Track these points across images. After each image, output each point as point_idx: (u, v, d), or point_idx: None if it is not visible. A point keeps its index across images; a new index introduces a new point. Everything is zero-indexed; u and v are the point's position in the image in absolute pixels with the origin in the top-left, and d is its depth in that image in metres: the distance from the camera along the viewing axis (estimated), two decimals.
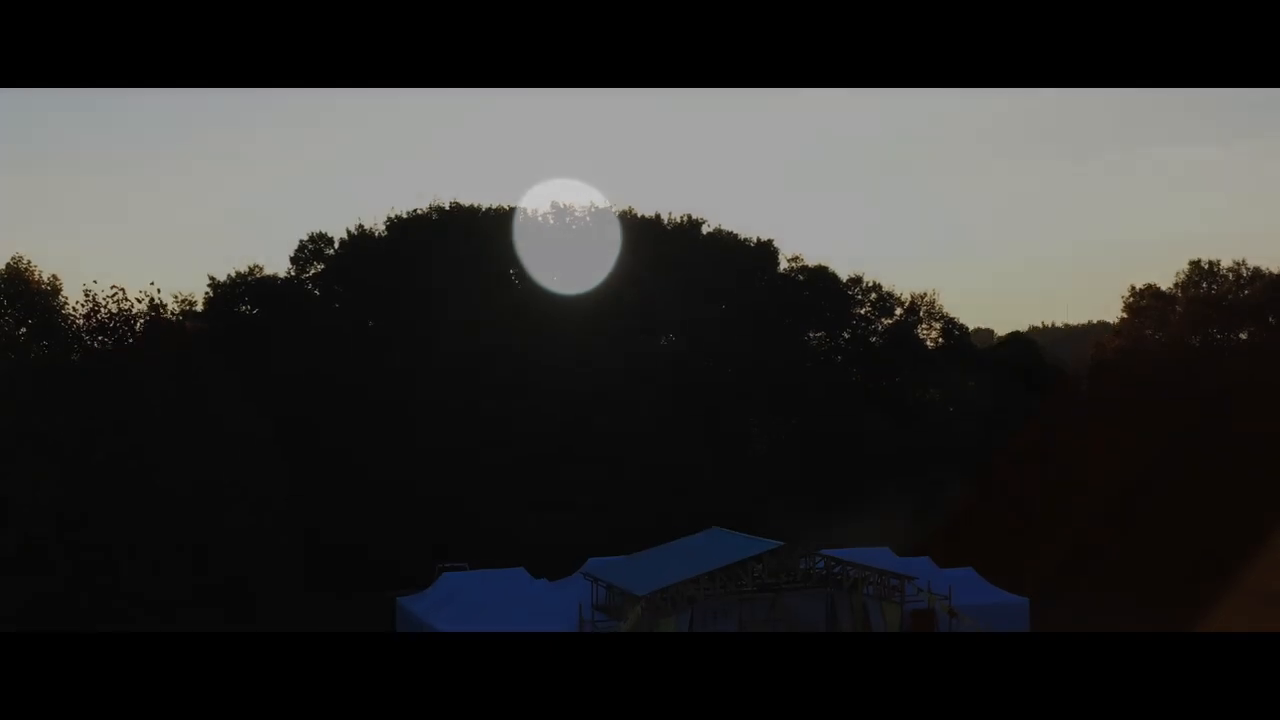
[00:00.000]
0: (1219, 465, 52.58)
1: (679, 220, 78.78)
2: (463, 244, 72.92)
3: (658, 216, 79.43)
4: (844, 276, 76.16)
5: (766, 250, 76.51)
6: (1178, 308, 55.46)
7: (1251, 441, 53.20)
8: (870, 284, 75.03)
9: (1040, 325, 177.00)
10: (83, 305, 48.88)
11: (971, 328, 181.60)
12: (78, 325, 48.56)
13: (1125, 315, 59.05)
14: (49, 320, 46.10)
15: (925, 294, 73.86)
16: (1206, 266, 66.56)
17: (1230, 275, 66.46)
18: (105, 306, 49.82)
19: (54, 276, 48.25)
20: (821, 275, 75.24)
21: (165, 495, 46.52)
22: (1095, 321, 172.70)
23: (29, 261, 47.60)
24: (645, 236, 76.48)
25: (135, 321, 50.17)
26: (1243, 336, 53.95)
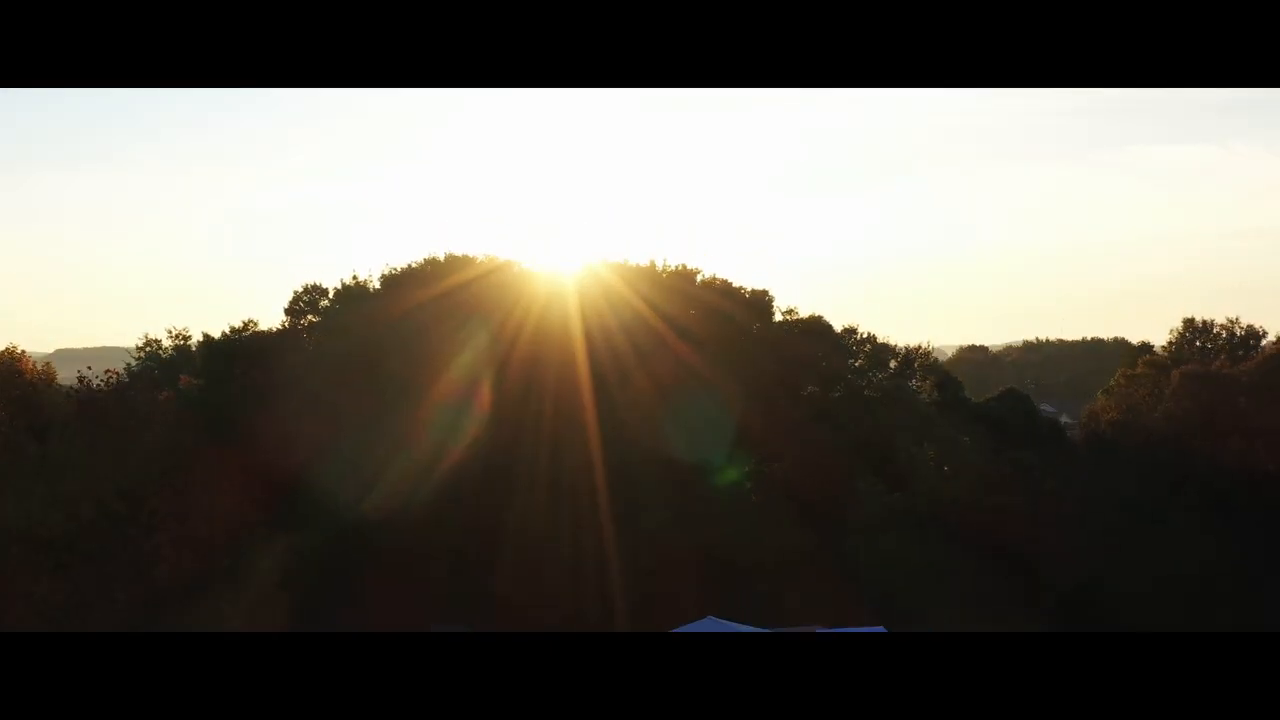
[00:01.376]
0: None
1: (674, 269, 78.60)
2: (455, 299, 72.77)
3: (652, 264, 79.39)
4: (838, 326, 76.10)
5: (761, 301, 76.36)
6: (1174, 372, 55.44)
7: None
8: (864, 335, 75.00)
9: (1035, 340, 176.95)
10: (76, 392, 48.73)
11: (964, 343, 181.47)
12: (70, 412, 48.41)
13: (1121, 383, 59.05)
14: (40, 416, 45.92)
15: (919, 345, 73.78)
16: (1200, 325, 66.70)
17: (1223, 334, 66.59)
18: (101, 391, 49.70)
19: (48, 365, 48.00)
20: (815, 326, 75.13)
21: (159, 586, 46.44)
22: (1090, 339, 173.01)
23: (21, 351, 47.34)
24: (639, 286, 76.32)
25: (130, 402, 49.99)
26: (1240, 400, 53.90)
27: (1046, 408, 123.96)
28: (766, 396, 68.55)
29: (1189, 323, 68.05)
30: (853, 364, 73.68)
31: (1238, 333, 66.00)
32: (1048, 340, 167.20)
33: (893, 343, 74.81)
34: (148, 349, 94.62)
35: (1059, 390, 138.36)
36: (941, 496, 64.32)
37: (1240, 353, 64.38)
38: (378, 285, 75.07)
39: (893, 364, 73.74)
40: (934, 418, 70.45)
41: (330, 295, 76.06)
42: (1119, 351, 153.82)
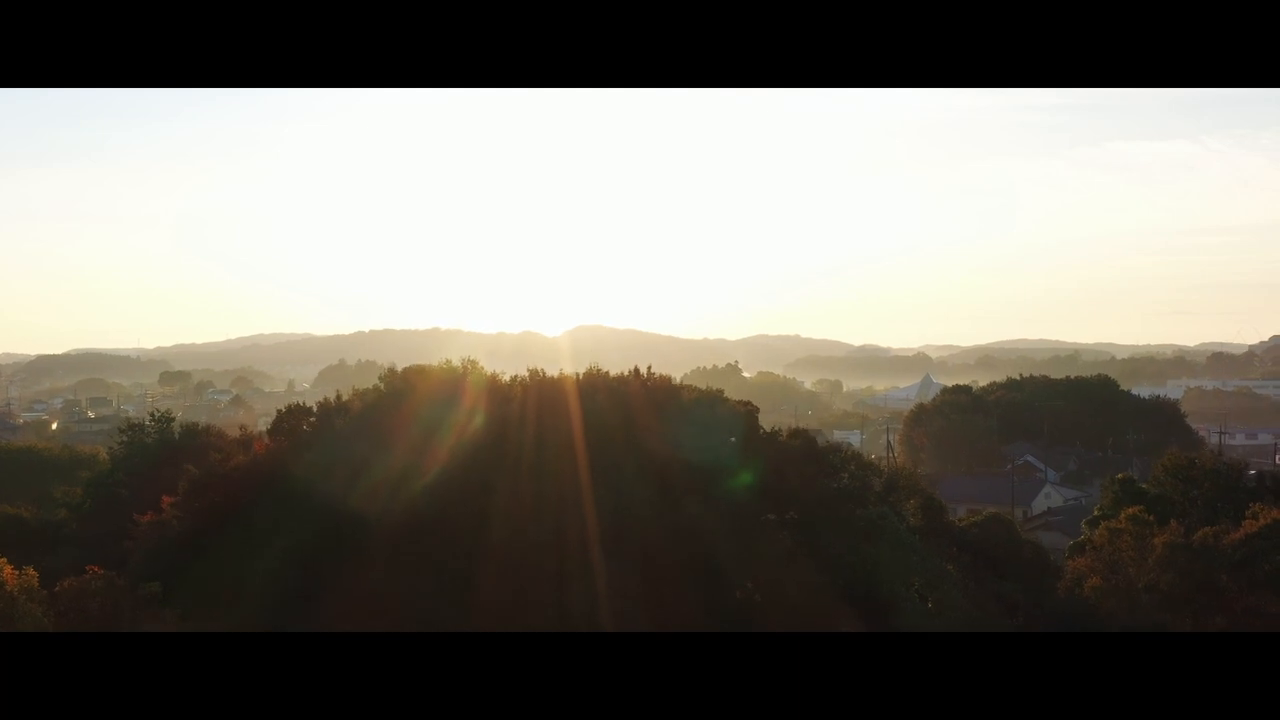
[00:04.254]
0: None
1: (655, 378, 78.38)
2: (427, 408, 72.48)
3: (636, 371, 79.11)
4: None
5: (748, 413, 76.23)
6: (1157, 541, 55.66)
7: None
8: (849, 452, 75.07)
9: (1020, 375, 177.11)
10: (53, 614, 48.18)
11: (949, 343, 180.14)
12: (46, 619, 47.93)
13: (1104, 535, 59.31)
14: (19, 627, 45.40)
15: (903, 465, 73.90)
16: (1185, 463, 66.96)
17: (1203, 466, 66.86)
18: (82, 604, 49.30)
19: (32, 574, 47.46)
20: (800, 441, 75.08)
21: None
22: (1073, 376, 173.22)
23: (4, 573, 46.73)
24: (617, 401, 75.87)
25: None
26: (1223, 578, 54.12)
27: (1031, 460, 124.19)
28: (744, 526, 68.32)
29: (1172, 455, 68.49)
30: (837, 486, 73.59)
31: (1220, 470, 66.38)
32: (1031, 376, 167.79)
33: (875, 459, 75.24)
34: (130, 432, 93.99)
35: (1040, 432, 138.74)
36: (925, 634, 64.37)
37: (1224, 487, 64.73)
38: (358, 403, 74.88)
39: (877, 484, 73.83)
40: (917, 546, 70.45)
41: (314, 413, 75.88)
42: (1102, 390, 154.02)
